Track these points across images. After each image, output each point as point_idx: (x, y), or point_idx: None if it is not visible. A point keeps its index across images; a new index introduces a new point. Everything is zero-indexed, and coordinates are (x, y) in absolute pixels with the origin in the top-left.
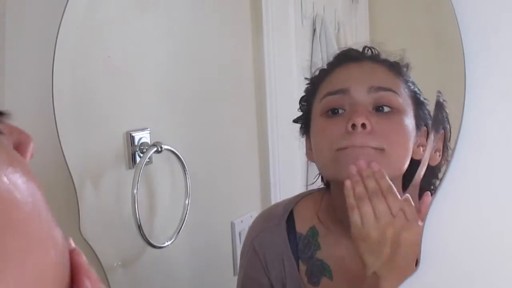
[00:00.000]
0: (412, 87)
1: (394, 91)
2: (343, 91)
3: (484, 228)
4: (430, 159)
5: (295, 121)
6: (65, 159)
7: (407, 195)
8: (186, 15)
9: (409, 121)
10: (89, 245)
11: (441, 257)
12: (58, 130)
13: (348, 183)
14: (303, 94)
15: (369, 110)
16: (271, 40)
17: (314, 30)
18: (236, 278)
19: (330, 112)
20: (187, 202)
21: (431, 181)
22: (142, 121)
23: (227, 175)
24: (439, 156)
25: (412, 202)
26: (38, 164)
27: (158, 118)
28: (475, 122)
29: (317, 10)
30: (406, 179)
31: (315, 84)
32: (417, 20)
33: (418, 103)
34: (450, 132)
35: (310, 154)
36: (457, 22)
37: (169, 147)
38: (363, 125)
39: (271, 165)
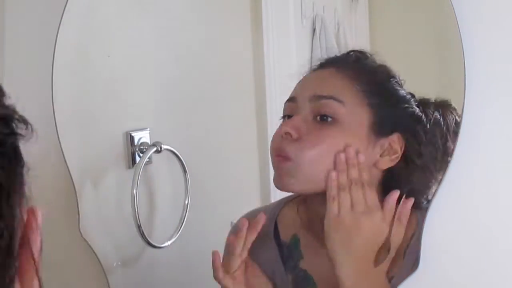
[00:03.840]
0: (379, 93)
1: (336, 99)
2: (292, 100)
3: (484, 228)
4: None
5: None
6: (65, 159)
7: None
8: (186, 15)
9: (351, 133)
10: (89, 245)
11: (441, 257)
12: (58, 130)
13: (333, 174)
14: None
15: (307, 119)
16: (271, 39)
17: (314, 30)
18: None
19: (286, 118)
20: (186, 202)
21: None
22: (142, 121)
23: (227, 175)
24: (391, 160)
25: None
26: (38, 164)
27: (157, 118)
28: (474, 121)
29: (317, 10)
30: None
31: None
32: (416, 20)
33: (382, 107)
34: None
35: None
36: (457, 22)
37: (168, 147)
38: (289, 133)
39: (271, 165)
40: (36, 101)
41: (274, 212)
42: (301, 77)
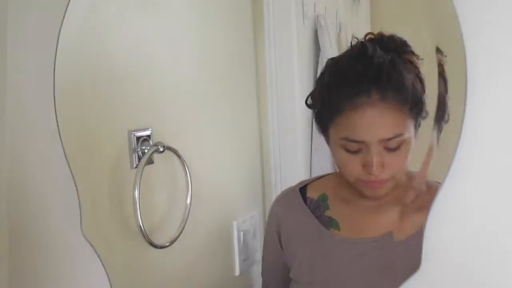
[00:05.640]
0: (414, 104)
1: (400, 135)
2: (356, 142)
3: (485, 228)
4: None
5: (315, 118)
6: (66, 159)
7: None
8: (187, 15)
9: (411, 141)
10: (91, 244)
11: (442, 257)
12: (60, 129)
13: None
14: (315, 96)
15: (381, 152)
16: (273, 40)
17: (316, 30)
18: (237, 278)
19: (349, 149)
20: (188, 202)
21: None
22: (144, 120)
23: (229, 175)
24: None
25: None
26: (39, 164)
27: (159, 118)
28: (476, 121)
29: (319, 10)
30: None
31: (327, 100)
32: (418, 20)
33: (418, 113)
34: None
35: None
36: (459, 23)
37: (170, 147)
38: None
39: (272, 165)
40: (37, 100)
41: (305, 181)
42: (360, 111)
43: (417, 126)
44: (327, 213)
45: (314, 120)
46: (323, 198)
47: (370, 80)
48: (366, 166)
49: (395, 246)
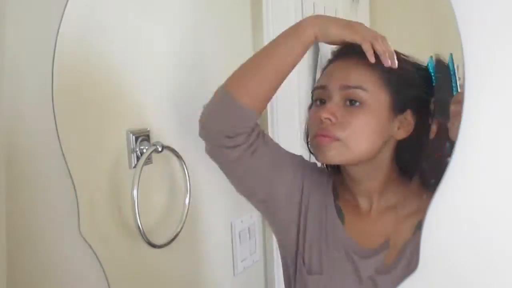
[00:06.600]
0: (393, 78)
1: (362, 88)
2: (322, 87)
3: (484, 228)
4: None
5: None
6: (65, 159)
7: None
8: (186, 15)
9: (376, 113)
10: (89, 245)
11: (441, 257)
12: (58, 129)
13: None
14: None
15: (339, 104)
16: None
17: None
18: (235, 278)
19: (318, 102)
20: (187, 201)
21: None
22: (142, 120)
23: None
24: (406, 131)
25: None
26: (38, 164)
27: (158, 118)
28: (474, 121)
29: (318, 10)
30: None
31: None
32: (417, 20)
33: (397, 90)
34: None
35: None
36: (457, 22)
37: (169, 147)
38: (328, 119)
39: None
40: (36, 100)
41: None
42: (328, 64)
43: (397, 105)
44: (337, 202)
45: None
46: (335, 186)
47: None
48: (322, 113)
49: (394, 252)
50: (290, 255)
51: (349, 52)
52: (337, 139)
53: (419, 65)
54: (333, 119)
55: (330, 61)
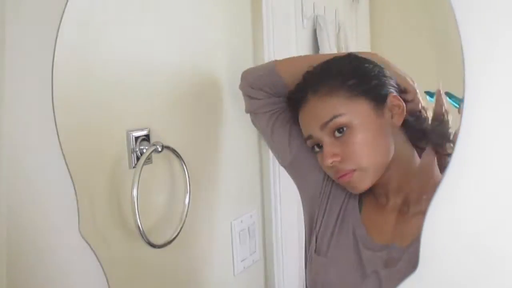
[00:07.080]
0: (353, 77)
1: (337, 116)
2: (310, 137)
3: (484, 228)
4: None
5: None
6: (64, 159)
7: None
8: (186, 15)
9: (366, 123)
10: (88, 245)
11: (441, 257)
12: (58, 129)
13: None
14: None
15: (332, 141)
16: (272, 40)
17: (315, 31)
18: (235, 278)
19: (316, 147)
20: (187, 201)
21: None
22: (142, 120)
23: (227, 175)
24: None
25: None
26: (37, 164)
27: (158, 118)
28: (474, 121)
29: (318, 10)
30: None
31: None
32: (417, 20)
33: (367, 84)
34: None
35: None
36: (457, 22)
37: (169, 147)
38: (334, 162)
39: (271, 165)
40: (35, 100)
41: None
42: (301, 111)
43: (374, 100)
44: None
45: None
46: None
47: (306, 84)
48: (324, 161)
49: (399, 253)
50: (309, 229)
51: (303, 94)
52: (354, 170)
53: (346, 55)
54: (338, 159)
55: (297, 112)
